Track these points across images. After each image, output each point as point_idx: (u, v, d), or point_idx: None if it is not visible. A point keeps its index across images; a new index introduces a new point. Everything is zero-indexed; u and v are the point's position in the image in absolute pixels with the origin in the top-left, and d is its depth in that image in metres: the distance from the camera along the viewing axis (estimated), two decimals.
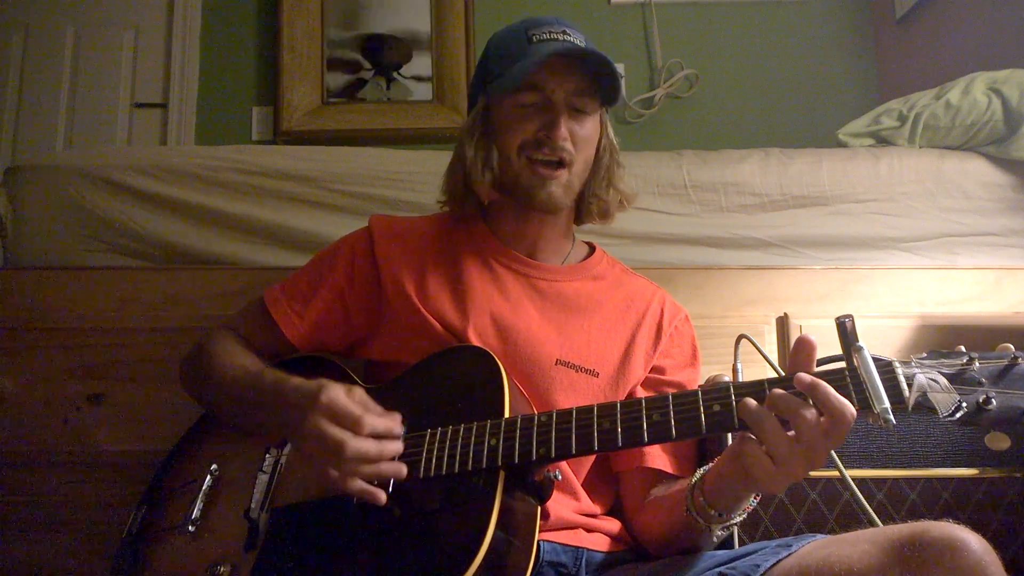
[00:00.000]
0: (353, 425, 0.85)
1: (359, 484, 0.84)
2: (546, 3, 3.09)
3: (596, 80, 1.08)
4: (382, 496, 0.84)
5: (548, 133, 1.06)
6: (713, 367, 1.28)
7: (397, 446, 0.87)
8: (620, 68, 3.00)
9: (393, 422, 0.89)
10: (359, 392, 0.89)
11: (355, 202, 1.55)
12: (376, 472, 0.84)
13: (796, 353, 0.79)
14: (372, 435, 0.85)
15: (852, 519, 1.10)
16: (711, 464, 0.89)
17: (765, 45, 3.17)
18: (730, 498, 0.86)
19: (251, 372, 1.03)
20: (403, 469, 0.86)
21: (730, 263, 1.56)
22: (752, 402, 0.75)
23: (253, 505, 0.94)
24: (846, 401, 0.72)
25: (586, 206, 1.17)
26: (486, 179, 1.10)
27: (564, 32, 1.09)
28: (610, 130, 1.16)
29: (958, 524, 0.72)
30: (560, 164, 1.08)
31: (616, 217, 1.20)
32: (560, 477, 0.90)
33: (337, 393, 0.87)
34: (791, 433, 0.73)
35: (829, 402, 0.72)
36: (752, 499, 0.87)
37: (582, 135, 1.09)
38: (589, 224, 1.21)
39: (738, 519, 0.88)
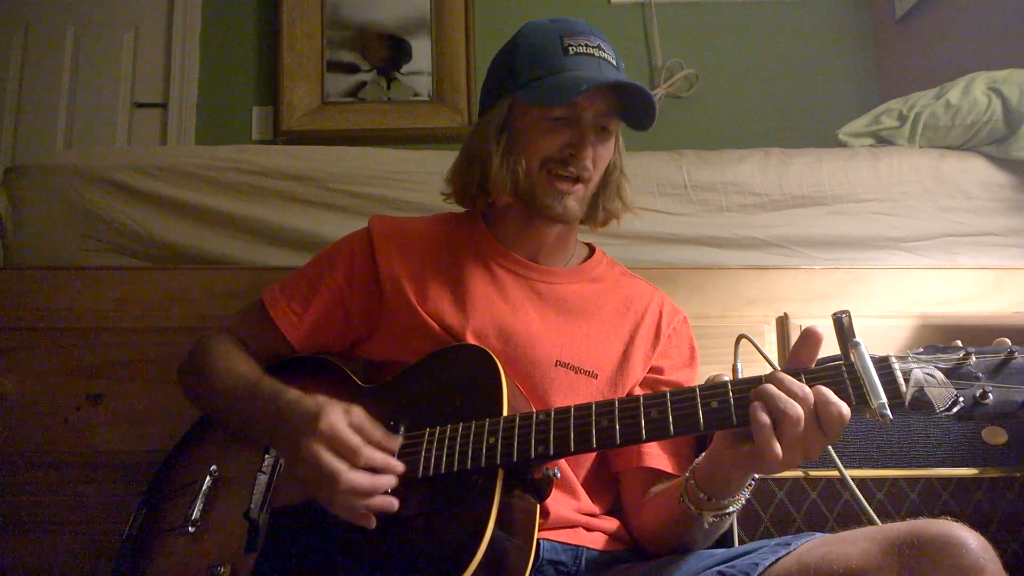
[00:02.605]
0: (350, 456, 0.84)
1: (348, 512, 0.83)
2: (546, 3, 3.09)
3: (626, 103, 1.07)
4: (372, 522, 0.83)
5: (574, 152, 1.06)
6: (713, 367, 1.28)
7: (391, 480, 0.85)
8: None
9: (392, 458, 0.87)
10: (358, 415, 0.88)
11: (355, 202, 1.55)
12: (365, 506, 0.83)
13: (800, 344, 0.79)
14: (369, 467, 0.84)
15: (852, 519, 1.10)
16: (705, 453, 0.90)
17: (765, 45, 3.17)
18: (721, 481, 0.85)
19: (247, 380, 1.02)
20: (394, 504, 0.84)
21: (730, 263, 1.56)
22: (773, 388, 0.76)
23: (253, 506, 0.94)
24: (841, 401, 0.74)
25: (592, 213, 1.17)
26: (507, 186, 1.09)
27: (599, 47, 1.08)
28: (622, 145, 1.17)
29: (957, 523, 0.72)
30: (578, 180, 1.08)
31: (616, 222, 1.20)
32: (559, 475, 0.90)
33: (337, 419, 0.86)
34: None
35: (821, 396, 0.74)
36: (744, 488, 0.88)
37: (602, 153, 1.10)
38: (587, 225, 1.21)
39: (730, 508, 0.88)
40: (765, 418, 0.75)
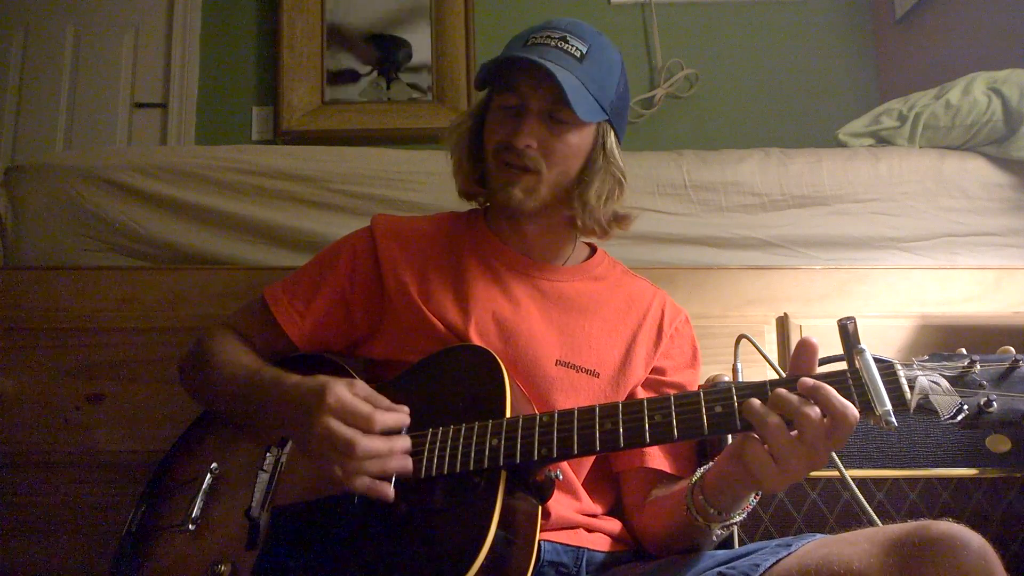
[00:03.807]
0: (364, 423, 0.84)
1: (366, 482, 0.83)
2: (546, 3, 3.09)
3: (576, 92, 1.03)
4: (390, 492, 0.84)
5: (510, 138, 1.06)
6: (713, 367, 1.28)
7: (405, 442, 0.87)
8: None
9: (401, 413, 0.88)
10: (361, 385, 0.89)
11: (355, 202, 1.55)
12: (383, 469, 0.84)
13: (797, 356, 0.79)
14: (382, 431, 0.85)
15: (852, 519, 1.10)
16: (711, 463, 0.90)
17: (765, 45, 3.17)
18: (730, 497, 0.86)
19: (249, 369, 1.02)
20: (410, 464, 0.85)
21: (730, 263, 1.56)
22: (756, 402, 0.76)
23: (254, 504, 0.94)
24: (849, 404, 0.73)
25: (583, 223, 1.12)
26: (466, 171, 1.14)
27: (563, 39, 1.06)
28: (615, 150, 1.11)
29: (958, 523, 0.72)
30: (525, 169, 1.06)
31: (616, 233, 1.16)
32: (561, 477, 0.90)
33: (343, 391, 0.86)
34: (794, 433, 0.74)
35: (832, 405, 0.73)
36: (752, 498, 0.88)
37: (555, 145, 1.06)
38: (589, 238, 1.20)
39: (738, 518, 0.88)
40: (768, 459, 0.75)
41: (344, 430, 0.83)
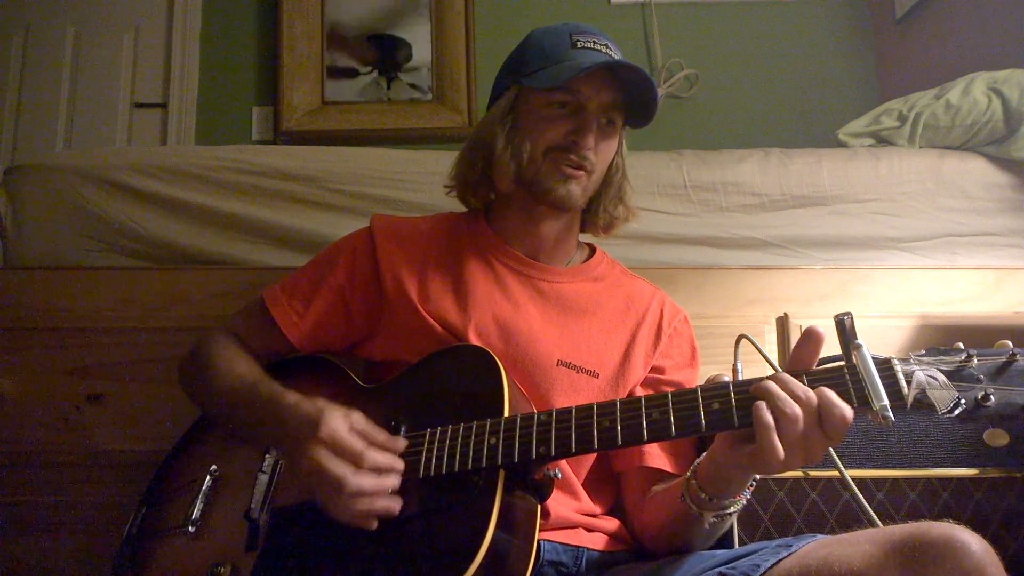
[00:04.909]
0: (354, 460, 0.84)
1: (349, 515, 0.83)
2: (547, 4, 3.09)
3: (630, 99, 1.08)
4: (373, 523, 0.83)
5: (577, 140, 1.07)
6: (713, 367, 1.28)
7: (394, 480, 0.86)
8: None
9: (395, 459, 0.87)
10: (358, 419, 0.88)
11: (355, 202, 1.55)
12: (370, 508, 0.83)
13: (802, 343, 0.79)
14: (372, 469, 0.85)
15: (852, 519, 1.10)
16: (705, 454, 0.90)
17: (765, 45, 3.17)
18: (723, 482, 0.86)
19: (246, 381, 1.02)
20: (396, 507, 0.84)
21: (730, 263, 1.56)
22: (774, 385, 0.76)
23: (253, 505, 0.94)
24: (844, 404, 0.74)
25: (592, 217, 1.18)
26: (511, 170, 1.10)
27: (606, 45, 1.10)
28: (624, 148, 1.17)
29: (958, 524, 0.72)
30: (581, 168, 1.08)
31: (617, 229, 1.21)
32: (560, 475, 0.90)
33: (338, 424, 0.86)
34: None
35: (825, 401, 0.74)
36: (745, 489, 0.88)
37: (605, 148, 1.10)
38: (590, 232, 1.22)
39: (731, 508, 0.88)
40: (767, 417, 0.75)
41: (334, 466, 0.83)
